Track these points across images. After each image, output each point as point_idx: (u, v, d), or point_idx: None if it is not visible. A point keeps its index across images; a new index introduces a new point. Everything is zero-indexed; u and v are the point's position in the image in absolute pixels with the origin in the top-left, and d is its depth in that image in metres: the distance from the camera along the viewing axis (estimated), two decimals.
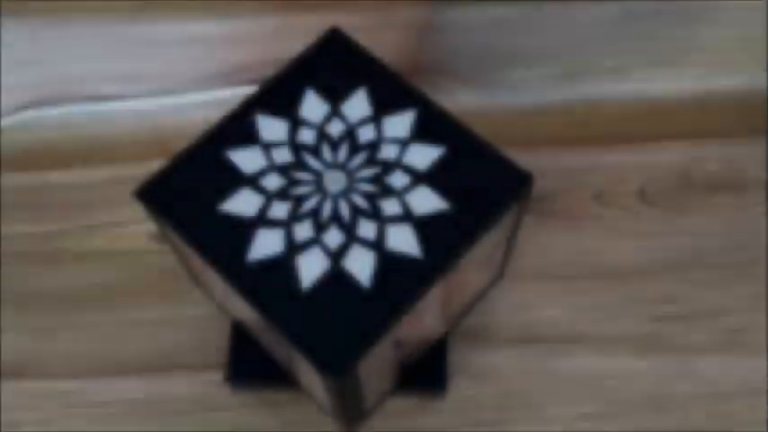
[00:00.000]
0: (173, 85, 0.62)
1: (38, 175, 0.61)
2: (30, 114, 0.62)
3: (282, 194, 0.39)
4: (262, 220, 0.39)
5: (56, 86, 0.62)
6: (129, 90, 0.62)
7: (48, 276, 0.57)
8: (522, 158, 0.42)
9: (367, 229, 0.39)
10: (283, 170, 0.40)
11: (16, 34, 0.59)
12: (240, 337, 0.52)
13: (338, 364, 0.36)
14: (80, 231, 0.59)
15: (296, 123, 0.41)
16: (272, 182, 0.40)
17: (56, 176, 0.61)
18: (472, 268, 0.43)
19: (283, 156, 0.40)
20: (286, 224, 0.39)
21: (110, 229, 0.59)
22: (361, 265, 0.38)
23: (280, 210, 0.39)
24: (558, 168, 0.61)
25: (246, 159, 0.40)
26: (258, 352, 0.50)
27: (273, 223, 0.39)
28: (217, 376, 0.53)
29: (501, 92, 0.63)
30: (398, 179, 0.40)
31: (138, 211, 0.59)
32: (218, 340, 0.54)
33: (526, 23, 0.60)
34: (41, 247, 0.58)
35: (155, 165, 0.60)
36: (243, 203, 0.39)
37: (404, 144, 0.41)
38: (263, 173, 0.40)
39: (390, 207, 0.39)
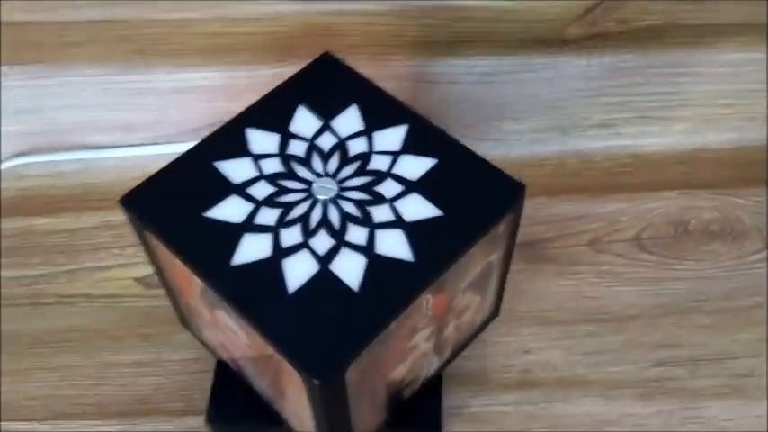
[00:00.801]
0: (167, 134, 0.62)
1: (26, 220, 0.60)
2: (22, 162, 0.62)
3: (271, 201, 0.39)
4: (248, 225, 0.38)
5: (50, 135, 0.62)
6: (123, 139, 0.63)
7: (28, 319, 0.55)
8: None
9: (357, 234, 0.38)
10: (272, 179, 0.39)
11: (13, 82, 0.60)
12: (223, 377, 0.49)
13: (325, 367, 0.34)
14: (64, 276, 0.57)
15: (286, 137, 0.41)
16: (261, 190, 0.39)
17: (43, 222, 0.60)
18: (467, 291, 0.42)
19: (273, 166, 0.40)
20: (273, 230, 0.38)
21: (94, 273, 0.58)
22: (350, 268, 0.36)
23: (267, 216, 0.38)
24: (552, 216, 0.60)
25: (235, 169, 0.40)
26: (241, 393, 0.48)
27: (260, 228, 0.38)
28: (197, 421, 0.50)
29: (492, 144, 0.64)
30: (389, 188, 0.39)
31: (124, 256, 0.58)
32: (201, 385, 0.51)
33: (516, 77, 0.61)
34: (24, 291, 0.57)
35: None
36: (230, 210, 0.38)
37: (395, 156, 0.40)
38: (251, 182, 0.39)
39: (381, 213, 0.38)
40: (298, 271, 0.36)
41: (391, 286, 0.36)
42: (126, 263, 0.58)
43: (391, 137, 0.41)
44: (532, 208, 0.61)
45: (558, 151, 0.64)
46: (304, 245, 0.37)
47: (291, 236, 0.38)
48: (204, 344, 0.49)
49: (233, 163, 0.40)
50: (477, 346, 0.54)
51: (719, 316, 0.55)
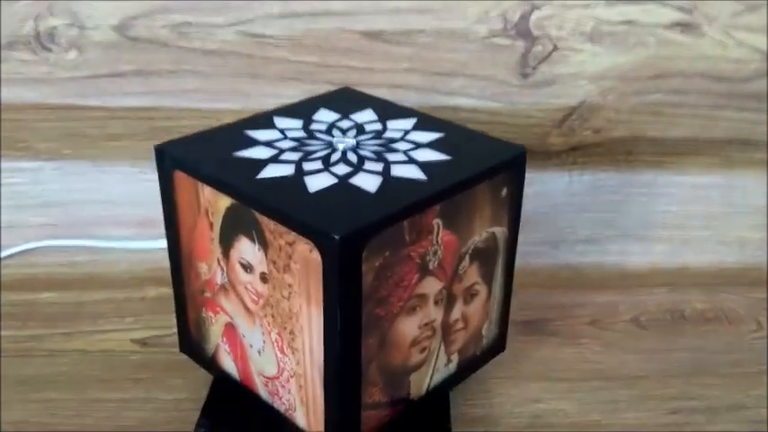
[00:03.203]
0: None
1: (30, 294, 0.60)
2: (33, 246, 0.64)
3: (294, 149, 0.42)
4: (273, 160, 0.41)
5: (70, 227, 0.65)
6: (139, 234, 0.66)
7: (14, 367, 0.53)
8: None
9: (374, 165, 0.41)
10: (296, 140, 0.44)
11: (49, 176, 0.65)
12: (218, 394, 0.47)
13: (344, 227, 0.35)
14: (59, 336, 0.56)
15: (309, 121, 0.46)
16: (285, 144, 0.43)
17: (47, 296, 0.60)
18: (473, 263, 0.43)
19: (297, 134, 0.44)
20: (296, 162, 0.41)
21: (91, 335, 0.56)
22: (367, 181, 0.39)
23: (291, 156, 0.42)
24: (550, 303, 0.62)
25: (263, 134, 0.44)
26: (235, 409, 0.45)
27: (284, 161, 0.41)
28: None
29: None
30: (403, 145, 0.43)
31: (124, 323, 0.58)
32: (190, 418, 0.48)
33: None
34: (14, 347, 0.55)
35: (151, 292, 0.62)
36: (256, 152, 0.42)
37: (407, 131, 0.45)
38: (277, 140, 0.43)
39: (396, 156, 0.42)
40: (318, 182, 0.39)
41: (405, 192, 0.38)
42: (125, 328, 0.57)
43: (403, 123, 0.46)
44: (530, 297, 0.62)
45: (551, 264, 0.68)
46: (325, 170, 0.40)
47: (313, 165, 0.41)
48: (204, 360, 0.48)
49: (261, 131, 0.44)
50: (484, 396, 0.51)
51: (728, 378, 0.54)
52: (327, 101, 0.49)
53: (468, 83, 0.63)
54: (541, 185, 0.68)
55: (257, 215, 0.38)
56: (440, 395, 0.46)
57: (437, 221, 0.40)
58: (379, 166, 0.41)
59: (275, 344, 0.41)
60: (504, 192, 0.44)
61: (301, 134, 0.44)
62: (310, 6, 0.59)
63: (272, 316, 0.41)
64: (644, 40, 0.62)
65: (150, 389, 0.51)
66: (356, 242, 0.35)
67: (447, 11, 0.60)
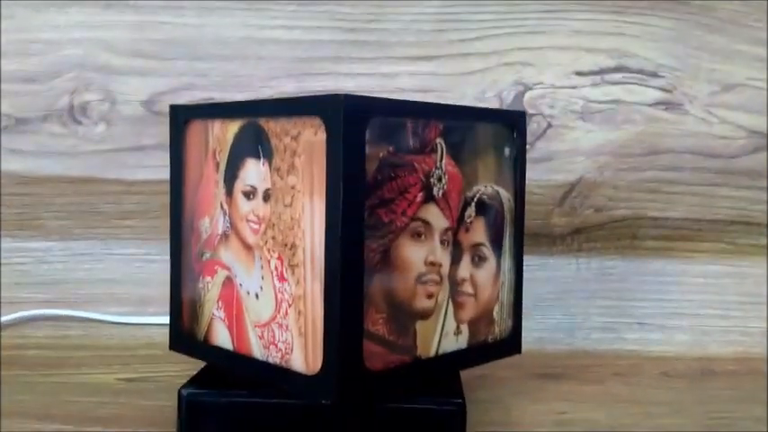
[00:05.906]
0: None
1: (17, 350, 0.57)
2: (26, 315, 0.62)
3: None
4: None
5: (65, 304, 0.64)
6: (135, 312, 0.64)
7: None
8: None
9: None
10: None
11: (55, 257, 0.66)
12: (206, 371, 0.43)
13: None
14: (40, 375, 0.52)
15: None
16: None
17: (34, 352, 0.57)
18: (479, 218, 0.42)
19: None
20: None
21: (73, 376, 0.52)
22: None
23: None
24: (569, 364, 0.57)
25: None
26: (222, 380, 0.41)
27: None
28: None
29: None
30: None
31: (109, 368, 0.56)
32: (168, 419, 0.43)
33: None
34: None
35: (142, 352, 0.59)
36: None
37: None
38: None
39: None
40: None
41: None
42: (109, 371, 0.53)
43: None
44: (548, 360, 0.58)
45: (567, 350, 0.64)
46: None
47: None
48: (196, 346, 0.44)
49: None
50: (501, 410, 0.46)
51: None
52: None
53: None
54: (551, 271, 0.67)
55: (264, 124, 0.39)
56: (450, 369, 0.42)
57: (440, 141, 0.40)
58: None
59: (274, 272, 0.39)
60: (507, 152, 0.44)
61: None
62: (321, 85, 0.65)
63: (273, 238, 0.39)
64: (631, 117, 0.66)
65: (132, 399, 0.46)
66: (359, 113, 0.36)
67: (446, 90, 0.66)
